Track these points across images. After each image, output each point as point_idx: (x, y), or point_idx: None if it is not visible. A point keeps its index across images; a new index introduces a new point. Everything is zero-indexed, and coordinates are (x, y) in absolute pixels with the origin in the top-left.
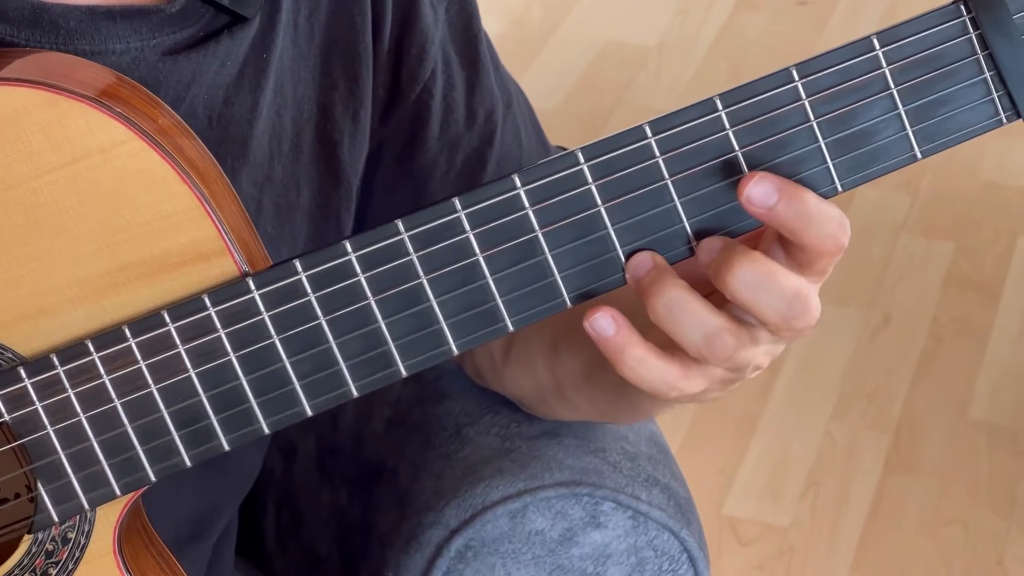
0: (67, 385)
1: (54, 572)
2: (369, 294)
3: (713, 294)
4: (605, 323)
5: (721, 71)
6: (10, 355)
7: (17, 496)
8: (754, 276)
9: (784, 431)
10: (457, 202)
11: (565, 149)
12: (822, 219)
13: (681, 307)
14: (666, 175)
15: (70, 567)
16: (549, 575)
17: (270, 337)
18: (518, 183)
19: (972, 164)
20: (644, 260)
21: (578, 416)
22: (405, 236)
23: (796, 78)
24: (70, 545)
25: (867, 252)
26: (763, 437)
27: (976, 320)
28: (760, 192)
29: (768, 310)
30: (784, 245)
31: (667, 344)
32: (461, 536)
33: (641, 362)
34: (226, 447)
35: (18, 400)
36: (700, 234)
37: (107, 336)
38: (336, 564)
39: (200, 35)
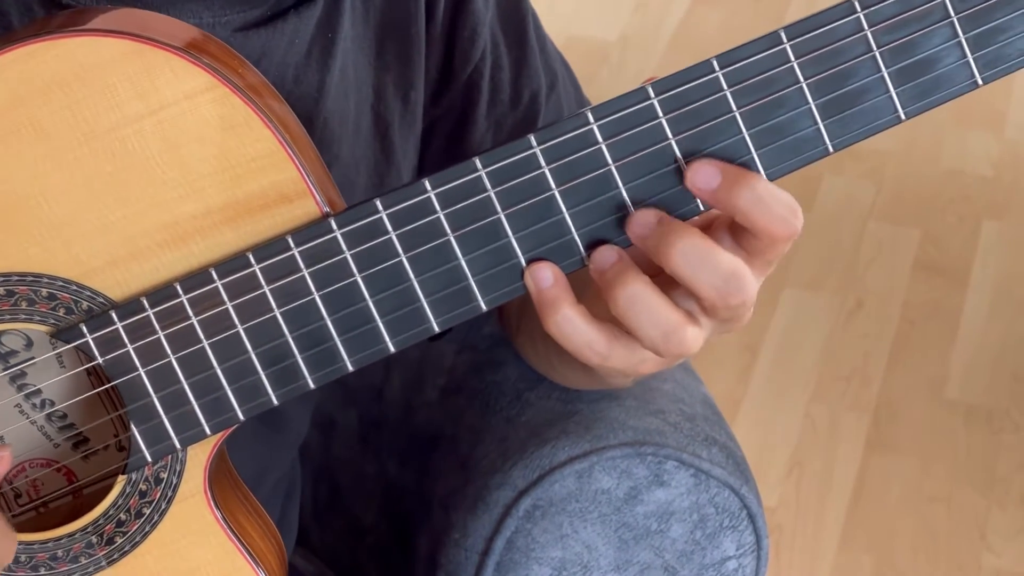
0: (157, 327)
1: (147, 511)
2: (448, 230)
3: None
4: (545, 275)
5: (683, 64)
6: (102, 299)
7: (105, 445)
8: (694, 250)
9: (765, 414)
10: (533, 139)
11: None
12: (772, 202)
13: (643, 303)
14: (734, 107)
15: (163, 506)
16: (615, 532)
17: (352, 275)
18: (591, 118)
19: (933, 153)
20: (608, 255)
21: (574, 385)
22: (483, 173)
23: (859, 8)
24: (162, 485)
25: (837, 239)
26: (745, 420)
27: (946, 303)
28: (703, 176)
29: (706, 285)
30: (735, 233)
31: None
32: (529, 496)
33: (568, 320)
34: (311, 385)
35: (110, 343)
36: (770, 163)
37: (195, 278)
38: (384, 533)
39: (268, 14)
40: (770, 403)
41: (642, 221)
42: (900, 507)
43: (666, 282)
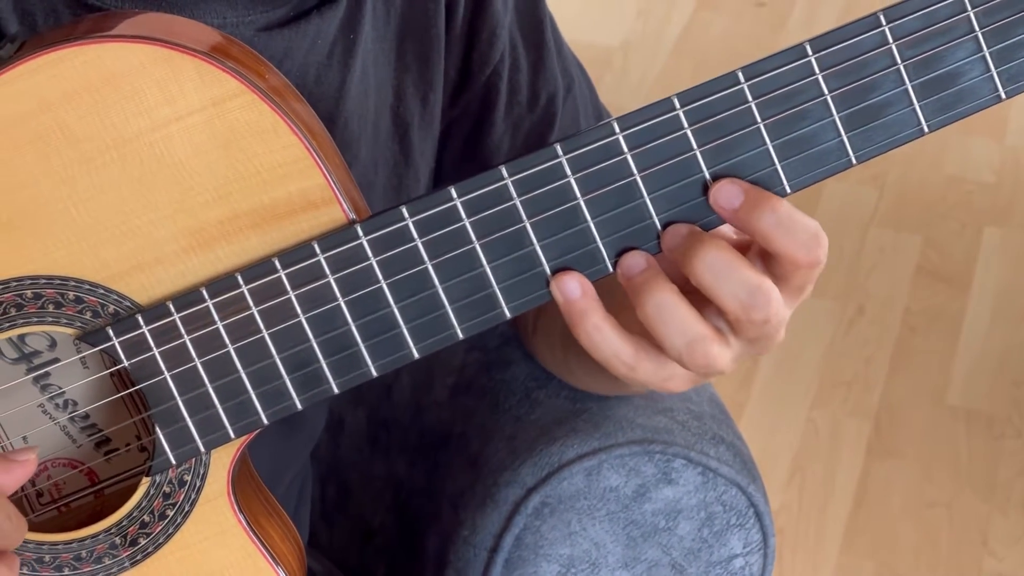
0: (183, 331)
1: (171, 513)
2: (474, 238)
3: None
4: (573, 286)
5: (686, 70)
6: (128, 303)
7: (128, 446)
8: (719, 261)
9: (768, 419)
10: (559, 148)
11: None
12: (792, 227)
13: (670, 310)
14: (758, 119)
15: (186, 508)
16: (623, 530)
17: (378, 282)
18: (617, 129)
19: (935, 159)
20: (637, 260)
21: (591, 390)
22: (509, 181)
23: (883, 23)
24: (186, 487)
25: (838, 245)
26: (747, 425)
27: (948, 309)
28: (725, 195)
29: (729, 296)
30: (763, 258)
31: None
32: (538, 493)
33: (598, 330)
34: (335, 390)
35: (136, 347)
36: (793, 175)
37: (220, 283)
38: (393, 533)
39: (291, 14)
40: (772, 408)
41: (673, 232)
42: (901, 512)
43: (698, 300)
